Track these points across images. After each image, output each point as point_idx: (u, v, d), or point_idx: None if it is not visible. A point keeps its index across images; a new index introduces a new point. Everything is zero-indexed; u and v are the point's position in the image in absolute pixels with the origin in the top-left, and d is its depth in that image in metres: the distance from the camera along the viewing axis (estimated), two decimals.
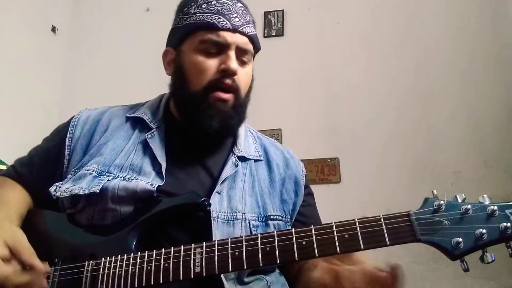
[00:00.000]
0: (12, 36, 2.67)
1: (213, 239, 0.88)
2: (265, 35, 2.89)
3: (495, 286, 2.16)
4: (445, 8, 2.68)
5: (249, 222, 0.96)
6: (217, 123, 0.98)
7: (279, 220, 1.01)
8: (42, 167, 1.06)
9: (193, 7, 1.01)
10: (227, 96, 0.99)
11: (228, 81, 0.98)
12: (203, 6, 1.00)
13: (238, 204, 0.96)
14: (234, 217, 0.95)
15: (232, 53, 0.99)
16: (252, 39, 1.04)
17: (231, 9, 1.01)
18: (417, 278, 2.25)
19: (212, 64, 0.98)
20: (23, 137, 2.54)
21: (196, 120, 0.99)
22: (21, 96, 2.69)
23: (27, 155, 1.11)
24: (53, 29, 3.04)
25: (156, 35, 2.98)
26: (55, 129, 1.12)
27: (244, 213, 0.96)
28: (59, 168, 1.03)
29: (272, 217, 0.99)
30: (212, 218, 0.91)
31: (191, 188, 0.95)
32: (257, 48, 1.08)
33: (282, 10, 2.93)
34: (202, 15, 0.99)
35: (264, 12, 2.92)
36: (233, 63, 0.98)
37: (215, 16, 0.98)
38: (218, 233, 0.91)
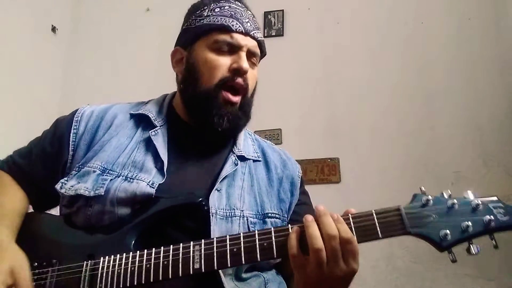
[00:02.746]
0: (12, 36, 2.67)
1: (212, 235, 0.90)
2: (265, 35, 2.89)
3: (495, 286, 2.16)
4: (445, 8, 2.68)
5: (247, 219, 0.97)
6: (227, 123, 1.02)
7: (276, 218, 1.03)
8: (42, 161, 1.06)
9: (206, 10, 1.07)
10: (236, 99, 1.03)
11: (239, 79, 1.03)
12: (216, 10, 1.06)
13: (237, 202, 0.98)
14: (232, 214, 0.96)
15: (243, 54, 1.04)
16: (261, 44, 1.10)
17: (243, 14, 1.07)
18: (417, 278, 2.26)
19: (224, 62, 1.03)
20: (23, 137, 2.54)
21: (206, 118, 1.02)
22: (21, 96, 2.69)
23: (26, 146, 1.13)
24: (53, 29, 3.04)
25: (156, 35, 3.01)
26: (56, 122, 1.12)
27: (242, 210, 0.98)
28: (60, 163, 1.03)
29: (269, 214, 1.01)
30: (211, 214, 0.93)
31: (191, 186, 0.97)
32: (263, 53, 1.13)
33: (282, 10, 2.94)
34: (216, 18, 1.05)
35: (264, 12, 2.93)
36: (245, 63, 1.03)
37: (229, 19, 1.04)
38: (217, 229, 0.92)
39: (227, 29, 1.03)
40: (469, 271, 2.18)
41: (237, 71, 1.02)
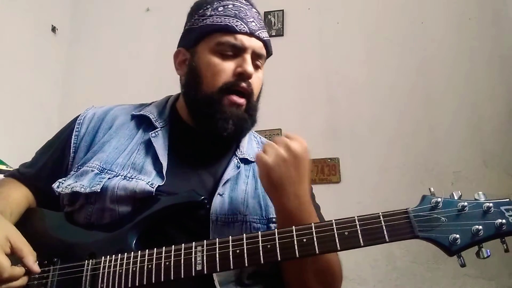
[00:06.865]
0: (12, 36, 2.67)
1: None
2: None
3: (495, 286, 2.16)
4: (445, 8, 2.68)
5: (250, 224, 0.95)
6: (232, 126, 0.98)
7: None
8: (45, 164, 1.06)
9: (209, 9, 1.02)
10: (241, 101, 0.99)
11: (243, 84, 0.99)
12: (219, 9, 1.01)
13: (240, 206, 0.96)
14: (234, 219, 0.94)
15: (248, 57, 1.00)
16: (267, 44, 1.05)
17: (248, 14, 1.02)
18: (417, 278, 2.25)
19: (228, 66, 0.99)
20: (23, 137, 2.54)
21: (210, 122, 0.98)
22: (21, 96, 2.69)
23: (32, 158, 1.12)
24: (53, 29, 3.04)
25: (156, 35, 3.01)
26: (61, 129, 1.12)
27: (245, 215, 0.96)
28: (63, 165, 1.03)
29: (274, 219, 0.99)
30: (211, 221, 0.91)
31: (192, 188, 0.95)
32: (269, 53, 1.09)
33: (282, 10, 2.93)
34: (220, 18, 1.00)
35: (264, 12, 2.91)
36: (250, 67, 0.99)
37: (233, 20, 0.99)
38: (217, 236, 0.89)
39: (230, 30, 0.98)
40: (469, 271, 2.18)
41: (241, 76, 0.98)
